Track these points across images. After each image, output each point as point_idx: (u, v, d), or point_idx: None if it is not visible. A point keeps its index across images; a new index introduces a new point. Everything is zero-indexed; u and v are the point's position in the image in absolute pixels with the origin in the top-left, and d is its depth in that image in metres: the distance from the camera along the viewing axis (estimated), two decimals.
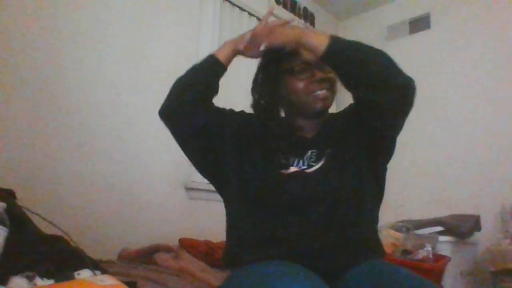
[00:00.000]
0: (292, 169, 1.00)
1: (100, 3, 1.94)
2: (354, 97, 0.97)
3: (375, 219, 1.05)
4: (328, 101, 1.02)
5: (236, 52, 1.08)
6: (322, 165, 1.00)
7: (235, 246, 1.01)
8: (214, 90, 1.07)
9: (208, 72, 1.06)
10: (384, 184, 1.08)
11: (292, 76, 1.02)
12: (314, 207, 0.95)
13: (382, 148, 1.03)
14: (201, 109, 1.04)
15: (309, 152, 1.02)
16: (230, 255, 1.02)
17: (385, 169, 1.07)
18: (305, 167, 1.00)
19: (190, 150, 1.08)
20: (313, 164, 1.01)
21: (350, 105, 1.07)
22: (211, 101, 1.07)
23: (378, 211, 1.07)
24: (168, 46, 2.22)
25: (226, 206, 1.10)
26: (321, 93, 1.00)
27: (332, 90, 1.02)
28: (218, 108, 1.10)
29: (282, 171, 0.99)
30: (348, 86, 0.93)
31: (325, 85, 1.00)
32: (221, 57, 1.06)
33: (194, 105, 1.03)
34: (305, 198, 0.95)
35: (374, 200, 1.05)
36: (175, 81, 1.07)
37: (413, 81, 0.89)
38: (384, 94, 0.87)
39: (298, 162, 1.01)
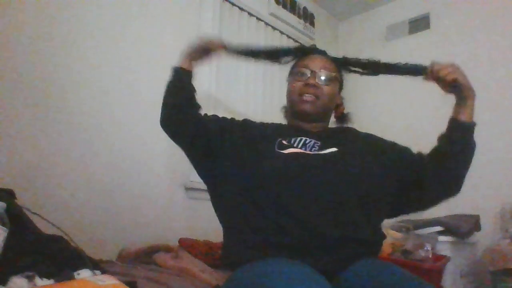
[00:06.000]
0: (292, 149, 1.00)
1: (99, 3, 1.94)
2: (420, 174, 1.08)
3: (377, 218, 1.05)
4: (312, 105, 1.06)
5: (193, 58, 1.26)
6: (325, 153, 1.00)
7: (234, 243, 1.01)
8: (193, 91, 1.19)
9: (181, 82, 1.21)
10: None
11: (293, 77, 1.08)
12: (312, 189, 0.93)
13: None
14: (190, 115, 1.14)
15: (312, 141, 1.03)
16: (230, 253, 1.02)
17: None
18: (307, 150, 1.00)
19: (193, 153, 1.16)
20: (316, 151, 1.00)
21: (398, 150, 1.19)
22: (195, 101, 1.18)
23: (383, 215, 1.07)
24: (168, 46, 2.22)
25: (220, 206, 1.10)
26: (307, 96, 1.05)
27: (319, 99, 1.06)
28: (214, 116, 1.17)
29: (282, 151, 1.00)
30: (434, 161, 1.09)
31: (313, 90, 1.05)
32: (184, 65, 1.23)
33: (183, 114, 1.14)
34: (303, 178, 0.94)
35: (381, 202, 1.04)
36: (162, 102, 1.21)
37: None
38: (446, 190, 1.10)
39: (300, 144, 1.01)
